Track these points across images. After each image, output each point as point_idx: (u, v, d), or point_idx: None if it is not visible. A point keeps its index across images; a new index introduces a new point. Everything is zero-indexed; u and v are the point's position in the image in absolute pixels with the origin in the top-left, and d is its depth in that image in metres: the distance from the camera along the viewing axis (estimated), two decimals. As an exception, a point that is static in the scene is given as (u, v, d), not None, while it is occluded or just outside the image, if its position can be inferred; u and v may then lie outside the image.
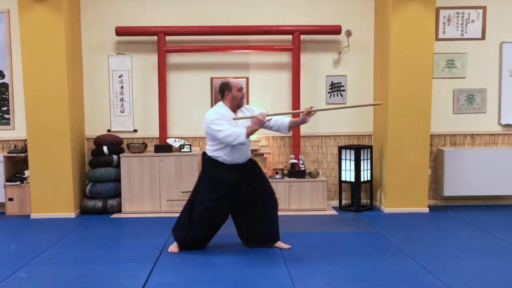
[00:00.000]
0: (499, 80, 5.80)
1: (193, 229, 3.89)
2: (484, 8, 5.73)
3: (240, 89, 3.90)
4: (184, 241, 3.96)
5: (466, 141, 5.87)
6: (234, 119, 3.82)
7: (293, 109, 5.65)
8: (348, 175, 5.56)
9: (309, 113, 3.77)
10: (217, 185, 3.84)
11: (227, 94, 3.89)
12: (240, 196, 3.87)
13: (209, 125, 3.79)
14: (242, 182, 3.88)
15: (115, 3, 5.73)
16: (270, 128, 3.96)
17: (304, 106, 5.72)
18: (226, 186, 3.83)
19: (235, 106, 3.92)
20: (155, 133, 5.77)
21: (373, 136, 5.90)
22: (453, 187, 5.67)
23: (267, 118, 3.78)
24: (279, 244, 4.06)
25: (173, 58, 5.79)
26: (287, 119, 3.95)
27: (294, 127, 4.08)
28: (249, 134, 3.75)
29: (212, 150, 3.89)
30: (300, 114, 3.84)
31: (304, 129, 5.75)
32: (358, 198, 5.52)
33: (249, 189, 3.90)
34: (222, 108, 3.89)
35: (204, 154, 4.00)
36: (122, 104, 5.82)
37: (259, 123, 3.76)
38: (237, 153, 3.86)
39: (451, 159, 5.65)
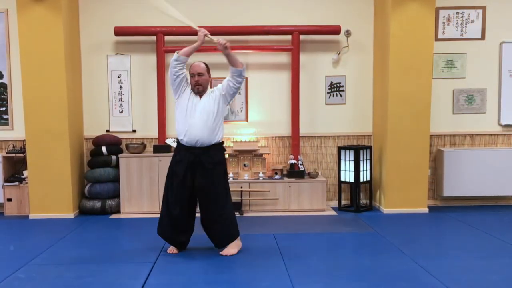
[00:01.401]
0: (499, 80, 5.80)
1: (169, 217, 3.82)
2: (483, 8, 5.73)
3: (192, 75, 3.74)
4: (165, 233, 3.89)
5: (465, 141, 5.86)
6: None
7: (293, 110, 5.66)
8: (348, 175, 5.55)
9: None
10: (177, 167, 3.78)
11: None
12: (195, 180, 3.75)
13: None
14: (198, 167, 3.74)
15: (114, 3, 5.72)
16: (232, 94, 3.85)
17: (303, 106, 5.76)
18: (184, 166, 3.74)
19: (193, 90, 3.81)
20: (154, 133, 5.76)
21: (372, 137, 5.90)
22: (452, 188, 5.67)
23: (204, 32, 3.69)
24: (226, 250, 3.86)
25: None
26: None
27: (231, 63, 3.78)
28: (182, 52, 3.69)
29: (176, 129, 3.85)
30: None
31: (303, 130, 5.75)
32: (357, 198, 5.51)
33: (200, 181, 3.75)
34: None
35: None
36: (121, 104, 5.81)
37: (198, 41, 3.71)
38: (192, 130, 3.69)
39: (450, 159, 5.65)
